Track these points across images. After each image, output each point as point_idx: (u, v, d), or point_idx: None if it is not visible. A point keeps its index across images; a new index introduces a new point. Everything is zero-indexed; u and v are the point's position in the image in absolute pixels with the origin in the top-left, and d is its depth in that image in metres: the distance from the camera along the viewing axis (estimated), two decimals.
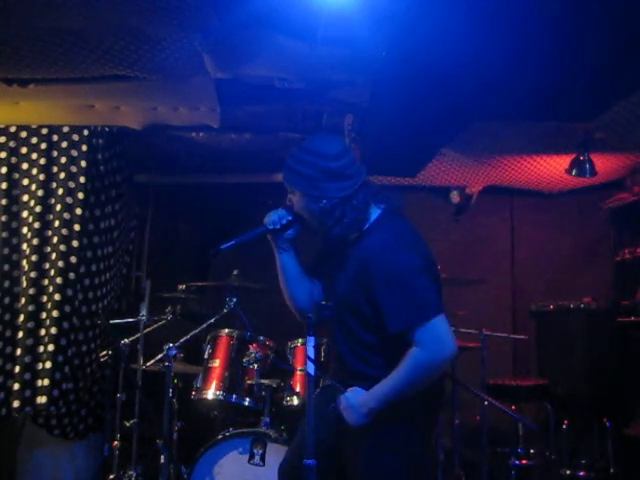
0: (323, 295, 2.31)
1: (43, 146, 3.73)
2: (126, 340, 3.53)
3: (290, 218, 2.25)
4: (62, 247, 3.61)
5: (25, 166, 3.74)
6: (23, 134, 3.76)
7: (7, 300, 3.64)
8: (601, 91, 2.93)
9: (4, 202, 3.71)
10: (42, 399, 3.43)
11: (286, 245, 2.29)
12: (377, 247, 2.07)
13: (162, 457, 3.15)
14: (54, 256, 3.60)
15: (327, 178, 2.11)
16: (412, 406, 2.08)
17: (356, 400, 2.08)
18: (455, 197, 5.00)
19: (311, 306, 2.28)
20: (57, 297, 3.55)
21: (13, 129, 3.77)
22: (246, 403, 3.36)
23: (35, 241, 3.61)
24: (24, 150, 3.75)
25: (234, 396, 3.37)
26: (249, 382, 3.37)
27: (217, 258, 5.39)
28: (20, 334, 3.53)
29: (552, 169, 4.41)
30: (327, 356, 3.45)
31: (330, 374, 2.39)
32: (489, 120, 3.45)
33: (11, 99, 3.51)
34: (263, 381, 3.31)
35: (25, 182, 3.73)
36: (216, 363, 3.44)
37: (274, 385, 3.30)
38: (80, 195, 3.69)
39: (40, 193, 3.67)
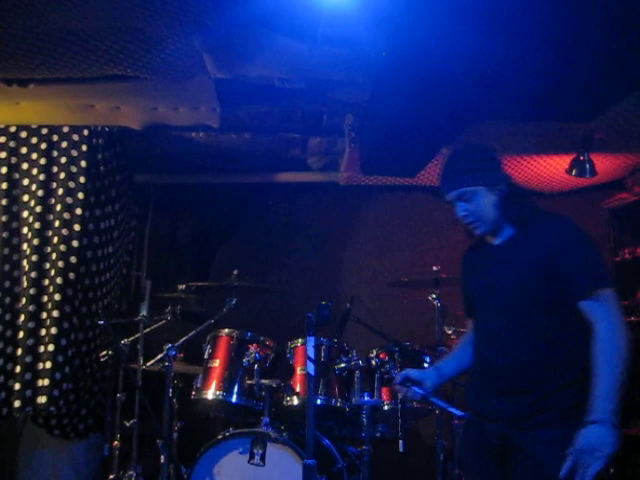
0: (478, 309, 2.34)
1: (43, 146, 3.73)
2: (126, 340, 3.53)
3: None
4: (62, 247, 3.61)
5: (25, 166, 3.74)
6: (23, 134, 3.76)
7: (8, 300, 3.64)
8: (601, 91, 2.93)
9: (4, 202, 3.71)
10: (42, 399, 3.43)
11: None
12: (556, 225, 2.19)
13: (162, 457, 3.15)
14: (54, 256, 3.60)
15: (498, 166, 2.28)
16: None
17: (593, 430, 1.92)
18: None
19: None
20: (57, 297, 3.55)
21: (13, 129, 3.78)
22: (246, 403, 3.37)
23: (35, 241, 3.61)
24: (24, 150, 3.75)
25: (234, 396, 3.37)
26: (249, 382, 3.37)
27: (217, 258, 5.38)
28: (21, 334, 3.53)
29: (552, 169, 4.41)
30: (327, 356, 3.45)
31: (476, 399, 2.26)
32: (489, 120, 3.45)
33: (11, 99, 3.52)
34: (263, 381, 3.31)
35: (25, 182, 3.73)
36: (216, 363, 3.44)
37: (274, 385, 3.30)
38: (80, 195, 3.70)
39: (40, 193, 3.67)
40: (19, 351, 3.52)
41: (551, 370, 2.07)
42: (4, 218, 3.70)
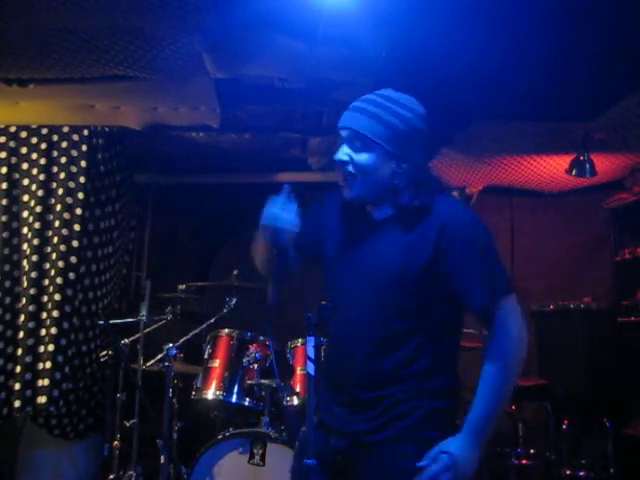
0: (331, 272, 1.97)
1: (43, 146, 3.73)
2: (126, 340, 3.53)
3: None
4: (62, 247, 3.61)
5: (25, 166, 3.74)
6: (23, 134, 3.76)
7: (8, 300, 3.64)
8: (601, 91, 2.93)
9: (4, 202, 3.71)
10: (42, 399, 3.43)
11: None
12: (454, 217, 1.78)
13: (162, 457, 3.15)
14: (54, 256, 3.60)
15: (415, 138, 1.81)
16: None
17: (462, 445, 1.70)
18: (455, 197, 5.00)
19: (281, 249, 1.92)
20: (57, 297, 3.55)
21: (13, 129, 3.78)
22: (246, 403, 3.36)
23: (35, 241, 3.61)
24: (24, 150, 3.75)
25: (234, 396, 3.37)
26: (249, 382, 3.37)
27: (217, 258, 5.37)
28: (21, 334, 3.53)
29: (552, 169, 4.41)
30: (327, 356, 3.45)
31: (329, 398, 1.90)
32: (489, 120, 3.45)
33: (11, 99, 3.51)
34: (263, 381, 3.32)
35: (25, 182, 3.73)
36: (216, 363, 3.44)
37: (274, 385, 3.30)
38: (80, 195, 3.69)
39: (40, 193, 3.67)
40: (19, 351, 3.52)
41: (406, 376, 1.77)
42: (4, 218, 3.70)
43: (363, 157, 1.78)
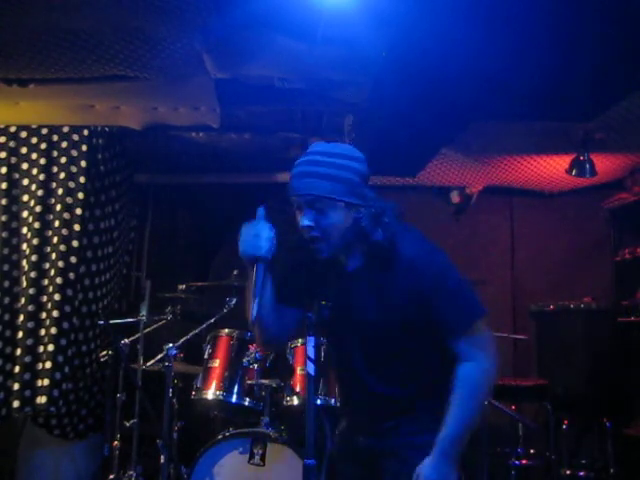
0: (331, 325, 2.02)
1: (43, 146, 3.73)
2: (126, 340, 3.52)
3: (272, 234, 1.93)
4: (62, 247, 3.61)
5: (25, 166, 3.74)
6: (23, 134, 3.76)
7: (7, 300, 3.64)
8: (601, 91, 2.93)
9: (4, 202, 3.71)
10: (42, 399, 3.43)
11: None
12: (415, 254, 1.89)
13: (162, 457, 3.15)
14: (54, 256, 3.60)
15: (365, 183, 1.89)
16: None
17: (434, 465, 1.85)
18: (455, 197, 5.01)
19: (281, 339, 2.18)
20: (57, 297, 3.55)
21: (13, 129, 3.77)
22: (246, 403, 3.37)
23: (35, 241, 3.61)
24: (24, 150, 3.75)
25: (234, 396, 3.37)
26: (249, 382, 3.37)
27: (217, 258, 5.36)
28: (20, 334, 3.53)
29: (552, 169, 4.41)
30: (327, 356, 3.45)
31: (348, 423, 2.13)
32: (489, 120, 3.46)
33: (11, 99, 3.51)
34: (263, 381, 3.32)
35: (25, 182, 3.73)
36: (216, 363, 3.44)
37: (274, 385, 3.31)
38: (80, 195, 3.69)
39: (40, 193, 3.67)
40: (18, 351, 3.52)
41: (415, 398, 1.95)
42: (4, 218, 3.70)
43: (328, 217, 1.84)
